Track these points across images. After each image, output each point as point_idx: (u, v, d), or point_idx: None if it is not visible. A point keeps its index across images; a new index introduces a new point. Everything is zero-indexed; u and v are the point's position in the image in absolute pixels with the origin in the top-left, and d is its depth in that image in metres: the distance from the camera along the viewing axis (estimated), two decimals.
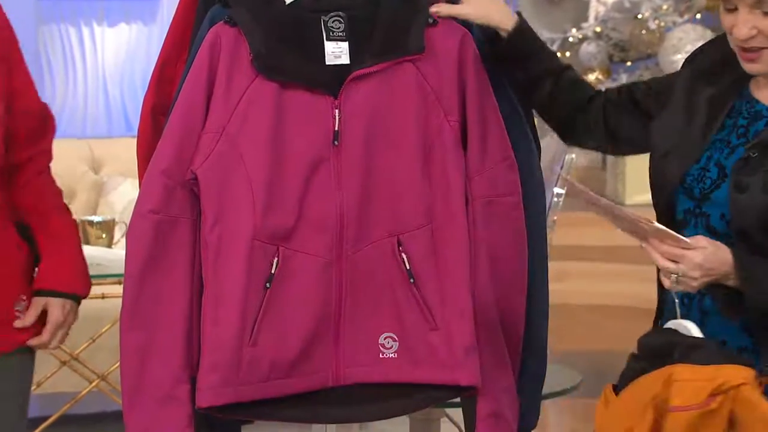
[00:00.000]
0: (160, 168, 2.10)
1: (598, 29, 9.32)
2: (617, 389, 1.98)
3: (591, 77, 9.20)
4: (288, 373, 2.11)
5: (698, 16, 9.00)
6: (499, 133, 2.20)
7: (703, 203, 2.08)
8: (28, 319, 2.19)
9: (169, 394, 2.09)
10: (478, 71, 2.19)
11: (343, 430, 2.63)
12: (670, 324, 2.01)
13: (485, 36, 2.23)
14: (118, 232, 4.89)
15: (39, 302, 2.21)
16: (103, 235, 4.79)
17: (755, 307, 1.98)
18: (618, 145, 2.29)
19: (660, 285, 2.12)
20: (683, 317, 2.03)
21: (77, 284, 2.25)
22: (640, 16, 8.98)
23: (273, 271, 2.09)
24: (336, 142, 2.11)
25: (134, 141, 2.36)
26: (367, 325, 2.15)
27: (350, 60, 2.15)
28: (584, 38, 9.42)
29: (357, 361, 2.15)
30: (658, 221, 2.12)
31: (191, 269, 2.11)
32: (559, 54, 9.71)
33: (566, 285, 6.92)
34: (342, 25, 2.15)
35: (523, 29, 2.23)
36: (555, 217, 5.20)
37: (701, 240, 1.98)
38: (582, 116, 2.26)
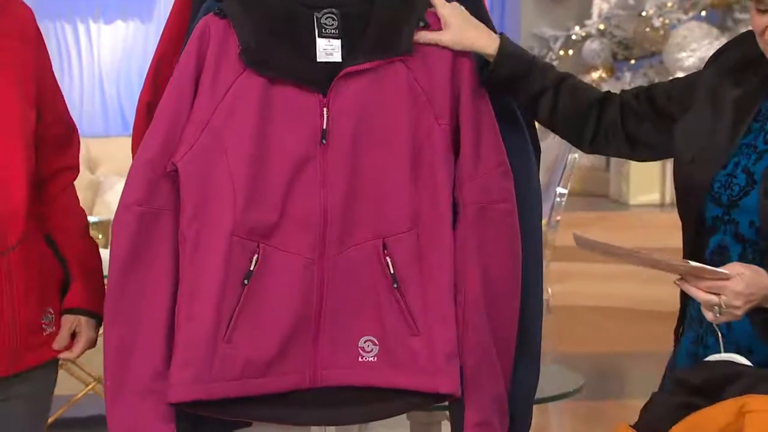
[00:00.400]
0: (144, 159, 2.10)
1: (601, 27, 9.32)
2: (639, 427, 1.93)
3: (594, 75, 9.21)
4: (263, 372, 2.10)
5: (703, 13, 9.01)
6: (494, 139, 2.19)
7: (732, 210, 2.06)
8: (62, 339, 2.23)
9: (150, 388, 2.09)
10: (474, 76, 2.19)
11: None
12: (711, 358, 1.98)
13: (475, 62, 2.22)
14: None
15: (71, 320, 2.24)
16: (100, 236, 4.79)
17: None
18: (638, 150, 2.26)
19: (679, 321, 2.12)
20: (709, 330, 2.02)
21: (101, 306, 2.28)
22: (644, 14, 8.98)
23: (252, 268, 2.09)
24: (324, 141, 2.11)
25: (130, 139, 2.36)
26: (348, 327, 2.14)
27: (342, 58, 2.14)
28: (587, 36, 9.43)
29: (335, 363, 2.14)
30: (685, 227, 2.11)
31: (174, 263, 2.11)
32: (562, 52, 9.73)
33: (568, 286, 6.93)
34: (335, 22, 2.15)
35: (507, 52, 2.20)
36: (558, 218, 5.21)
37: (737, 267, 1.96)
38: (594, 123, 2.23)
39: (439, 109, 2.15)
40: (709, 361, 1.97)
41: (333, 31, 2.14)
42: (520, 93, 2.23)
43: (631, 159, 2.29)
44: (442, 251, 2.14)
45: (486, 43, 2.19)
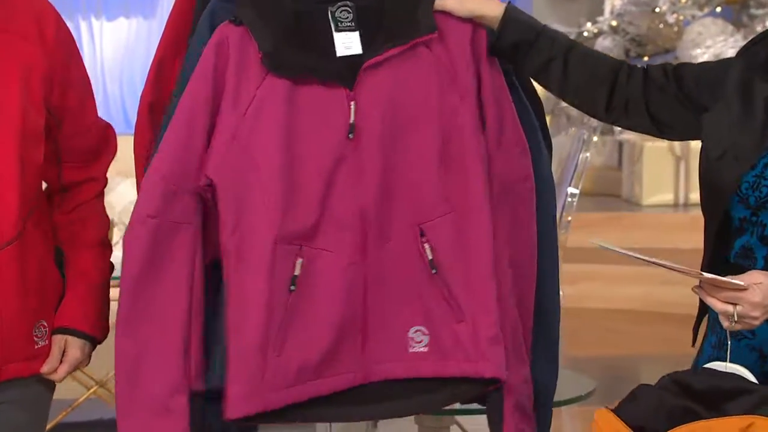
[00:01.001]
0: (160, 173, 2.10)
1: (614, 23, 9.31)
2: (622, 415, 1.92)
3: None
4: (315, 375, 2.12)
5: (718, 9, 9.00)
6: (512, 115, 2.20)
7: (760, 212, 2.05)
8: (53, 360, 2.22)
9: (165, 406, 2.10)
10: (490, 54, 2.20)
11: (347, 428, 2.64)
12: (717, 366, 1.97)
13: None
14: (117, 234, 4.90)
15: (60, 340, 2.23)
16: None
17: None
18: (661, 128, 2.23)
19: (697, 322, 2.12)
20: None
21: (97, 327, 2.27)
22: (657, 10, 8.98)
23: (297, 273, 2.10)
24: (351, 135, 2.12)
25: (133, 139, 2.36)
26: (396, 319, 2.15)
27: (362, 50, 2.15)
28: (600, 33, 9.42)
29: (386, 357, 2.15)
30: (708, 225, 2.10)
31: (190, 277, 2.12)
32: None
33: (580, 288, 6.92)
34: (350, 15, 2.16)
35: (513, 17, 2.19)
36: (569, 218, 5.20)
37: (756, 275, 1.96)
38: (609, 91, 2.21)
39: (464, 88, 2.16)
40: (713, 369, 1.96)
41: (349, 24, 2.15)
42: (527, 61, 2.21)
43: (652, 135, 2.27)
44: (480, 232, 2.15)
45: (491, 8, 2.19)
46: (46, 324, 2.20)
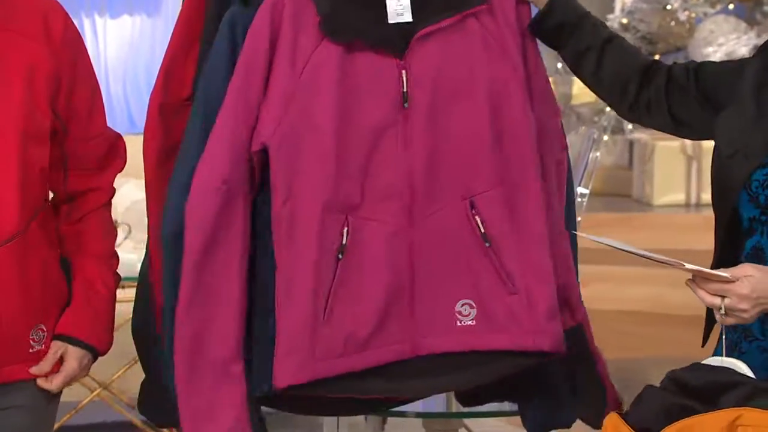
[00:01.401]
0: (224, 138, 2.11)
1: (624, 21, 9.30)
2: (630, 418, 1.93)
3: None
4: (364, 346, 2.12)
5: (731, 6, 8.99)
6: (550, 89, 2.28)
7: None
8: (46, 364, 2.21)
9: (226, 372, 2.12)
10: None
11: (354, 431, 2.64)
12: (713, 361, 1.98)
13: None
14: (121, 234, 4.90)
15: (58, 347, 2.22)
16: None
17: None
18: (680, 128, 2.26)
19: (707, 323, 2.12)
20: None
21: (99, 338, 2.27)
22: (669, 7, 8.97)
23: (344, 242, 2.11)
24: (406, 104, 2.13)
25: (138, 139, 2.36)
26: (443, 292, 2.16)
27: (413, 17, 2.16)
28: None
29: (434, 331, 2.16)
30: (718, 224, 2.11)
31: (246, 245, 2.15)
32: None
33: (589, 289, 6.89)
34: None
35: (559, 1, 2.23)
36: (579, 219, 5.20)
37: (746, 268, 1.96)
38: (636, 89, 2.24)
39: (514, 59, 2.19)
40: (709, 365, 1.97)
41: None
42: (567, 46, 2.26)
43: (674, 134, 2.29)
44: (533, 204, 2.17)
45: None
46: (45, 328, 2.20)
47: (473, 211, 2.15)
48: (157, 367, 2.25)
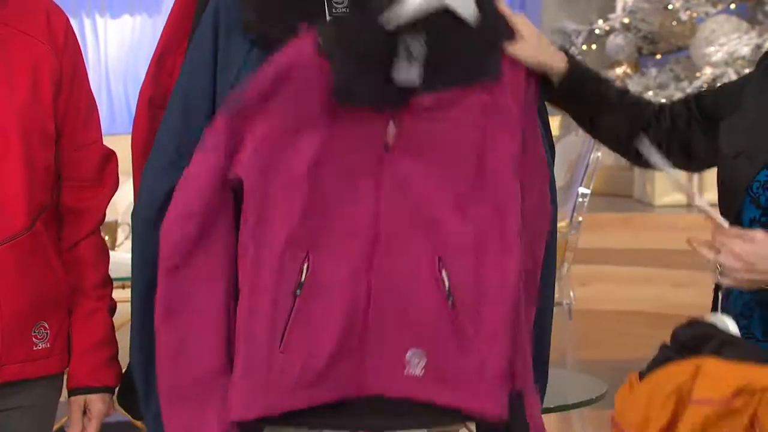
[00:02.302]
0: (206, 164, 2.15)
1: (626, 20, 9.31)
2: (642, 376, 1.99)
3: (618, 71, 9.20)
4: (315, 383, 2.13)
5: (732, 6, 8.99)
6: (543, 160, 2.24)
7: None
8: (76, 424, 2.26)
9: (211, 388, 2.14)
10: (536, 92, 2.21)
11: None
12: (710, 317, 2.01)
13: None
14: (121, 234, 4.91)
15: (79, 401, 2.26)
16: (106, 238, 4.81)
17: None
18: (694, 162, 2.28)
19: (715, 289, 2.12)
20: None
21: (110, 376, 2.30)
22: (670, 7, 8.97)
23: (303, 279, 2.11)
24: (387, 151, 2.12)
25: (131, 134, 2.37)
26: (395, 338, 2.16)
27: (422, 80, 2.11)
28: (611, 30, 9.42)
29: (380, 375, 2.16)
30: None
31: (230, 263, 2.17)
32: (584, 47, 9.72)
33: (591, 290, 6.92)
34: (421, 48, 2.13)
35: (578, 65, 2.24)
36: (580, 219, 5.20)
37: (757, 233, 1.97)
38: (647, 138, 2.24)
39: (515, 127, 2.16)
40: (702, 322, 2.01)
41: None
42: (581, 108, 2.28)
43: (688, 170, 2.31)
44: (507, 273, 2.15)
45: (557, 57, 2.22)
46: (47, 326, 2.20)
47: (441, 266, 2.14)
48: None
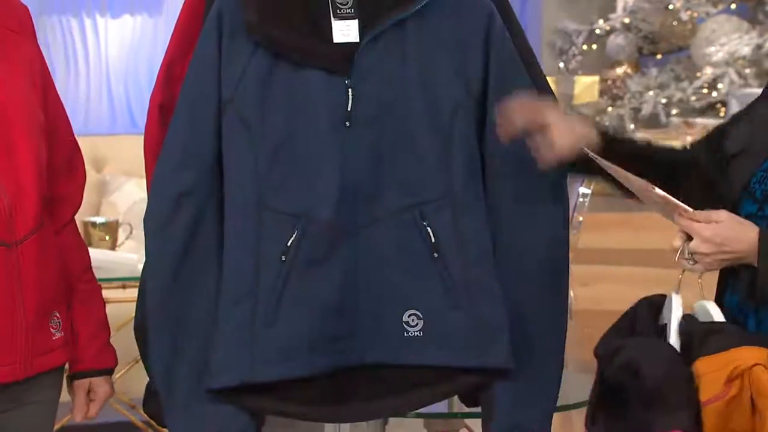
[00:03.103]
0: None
1: (626, 20, 9.29)
2: None
3: (619, 71, 9.18)
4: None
5: (733, 6, 8.97)
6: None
7: (765, 205, 2.06)
8: (82, 406, 2.31)
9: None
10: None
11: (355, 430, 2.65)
12: (696, 307, 2.02)
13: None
14: (122, 234, 4.90)
15: (84, 385, 2.31)
16: (107, 237, 4.80)
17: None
18: (719, 202, 2.22)
19: (718, 288, 2.13)
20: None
21: (110, 358, 2.35)
22: (671, 7, 8.96)
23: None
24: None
25: (139, 139, 2.37)
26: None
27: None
28: (612, 30, 9.40)
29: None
30: None
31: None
32: (585, 47, 9.70)
33: (593, 290, 6.91)
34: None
35: (614, 135, 2.20)
36: (581, 218, 5.20)
37: (721, 213, 1.97)
38: (680, 183, 2.22)
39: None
40: (690, 316, 2.04)
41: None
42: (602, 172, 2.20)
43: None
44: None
45: (590, 131, 2.17)
46: (59, 315, 2.23)
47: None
48: None
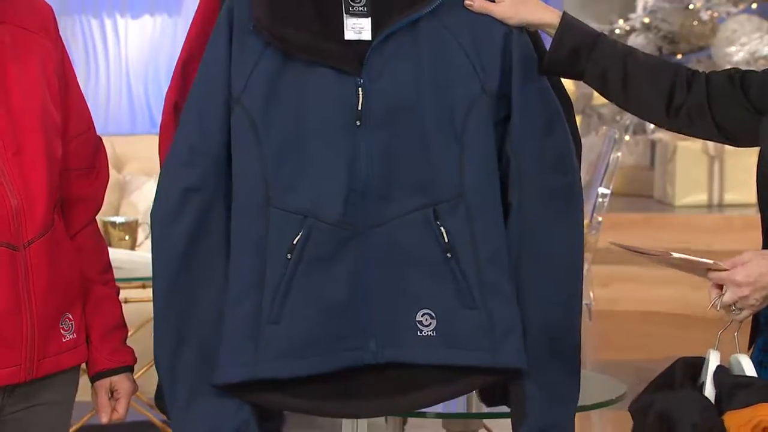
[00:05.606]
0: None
1: (646, 20, 9.28)
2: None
3: None
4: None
5: (754, 6, 8.96)
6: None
7: None
8: (105, 407, 2.28)
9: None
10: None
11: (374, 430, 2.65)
12: (731, 359, 2.00)
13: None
14: (142, 234, 4.92)
15: (105, 385, 2.29)
16: (126, 237, 4.82)
17: None
18: (728, 136, 2.18)
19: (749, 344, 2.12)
20: None
21: (128, 355, 2.33)
22: (691, 6, 8.94)
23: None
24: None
25: (158, 138, 2.38)
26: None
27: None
28: (632, 30, 9.39)
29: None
30: (764, 221, 2.08)
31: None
32: None
33: (612, 290, 6.90)
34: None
35: (571, 23, 2.17)
36: (600, 219, 5.19)
37: (744, 255, 1.95)
38: (668, 97, 2.16)
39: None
40: (723, 367, 2.01)
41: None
42: (587, 71, 2.17)
43: (721, 143, 2.25)
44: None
45: (546, 14, 2.16)
46: (71, 317, 2.23)
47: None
48: None
